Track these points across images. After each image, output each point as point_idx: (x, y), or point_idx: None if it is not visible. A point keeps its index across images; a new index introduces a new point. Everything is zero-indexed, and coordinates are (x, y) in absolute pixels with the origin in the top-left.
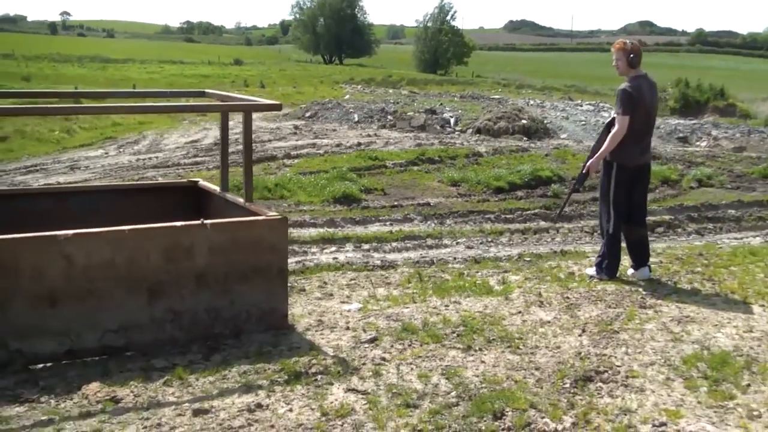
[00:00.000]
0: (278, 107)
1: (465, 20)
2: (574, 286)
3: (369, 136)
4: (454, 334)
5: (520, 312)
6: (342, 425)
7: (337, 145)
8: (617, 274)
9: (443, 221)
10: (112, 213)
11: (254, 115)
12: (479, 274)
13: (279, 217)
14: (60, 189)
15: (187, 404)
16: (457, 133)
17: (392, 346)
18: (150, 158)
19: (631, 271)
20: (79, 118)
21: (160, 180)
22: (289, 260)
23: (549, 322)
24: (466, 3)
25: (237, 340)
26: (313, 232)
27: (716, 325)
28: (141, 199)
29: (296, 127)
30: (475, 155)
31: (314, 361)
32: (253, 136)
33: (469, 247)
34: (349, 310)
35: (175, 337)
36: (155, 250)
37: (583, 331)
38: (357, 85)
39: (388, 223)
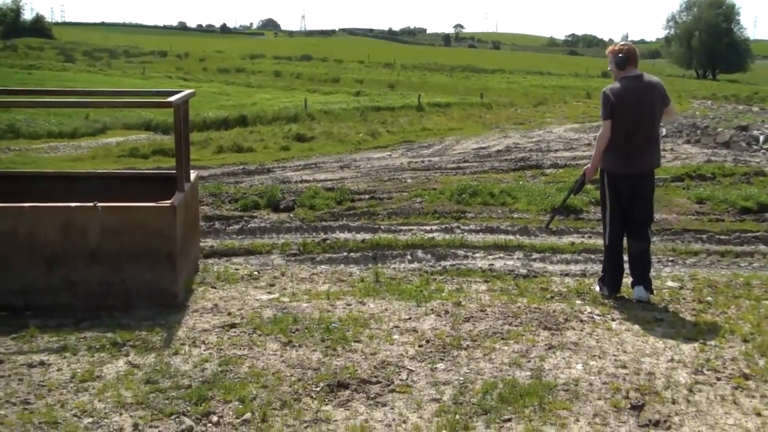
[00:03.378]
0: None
1: None
2: (536, 300)
3: (663, 150)
4: (297, 331)
5: (404, 319)
6: (88, 389)
7: None
8: (620, 290)
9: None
10: (100, 195)
11: (568, 125)
12: (452, 280)
13: (168, 205)
14: (66, 173)
15: (9, 353)
16: (762, 151)
17: (236, 333)
18: (423, 161)
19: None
20: (391, 122)
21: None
22: (444, 263)
23: (411, 330)
24: None
25: (125, 312)
26: (492, 238)
27: (594, 356)
28: (131, 185)
29: (596, 139)
30: (757, 174)
31: (146, 335)
32: (546, 145)
33: None
34: (258, 299)
35: (72, 304)
36: (51, 226)
37: (426, 342)
38: (708, 101)
39: (586, 235)
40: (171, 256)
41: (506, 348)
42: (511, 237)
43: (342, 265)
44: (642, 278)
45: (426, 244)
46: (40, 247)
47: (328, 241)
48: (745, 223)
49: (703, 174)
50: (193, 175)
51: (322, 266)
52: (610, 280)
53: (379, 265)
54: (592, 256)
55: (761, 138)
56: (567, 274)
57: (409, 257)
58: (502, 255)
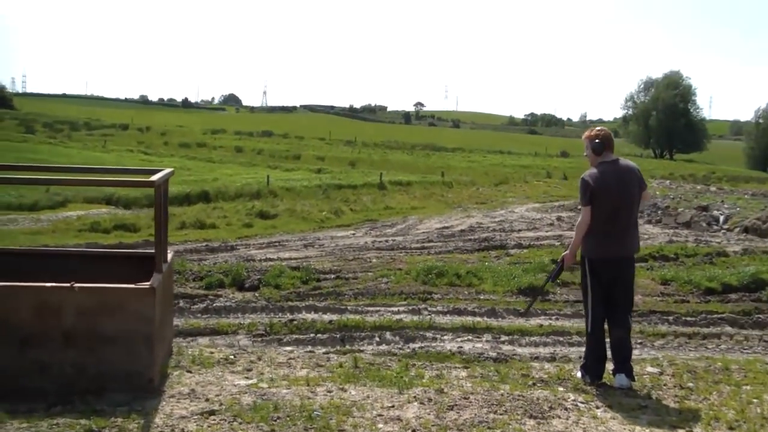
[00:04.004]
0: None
1: None
2: (518, 387)
3: None
4: (279, 419)
5: (387, 407)
6: None
7: None
8: (602, 377)
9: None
10: (74, 274)
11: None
12: (431, 366)
13: (147, 287)
14: (43, 251)
15: None
16: (722, 231)
17: (215, 421)
18: (387, 240)
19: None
20: (354, 200)
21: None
22: (413, 345)
23: (395, 418)
24: None
25: (98, 397)
26: (460, 320)
27: None
28: (107, 264)
29: (559, 218)
30: (719, 255)
31: (122, 423)
32: (509, 225)
33: None
34: (237, 385)
35: (43, 387)
36: (25, 306)
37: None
38: (667, 180)
39: (553, 317)
40: (148, 339)
41: None
42: (478, 319)
43: (309, 347)
44: (623, 365)
45: (394, 326)
46: (13, 327)
47: (295, 322)
48: (710, 305)
49: (666, 254)
50: (170, 254)
51: (289, 347)
52: (593, 367)
53: (347, 346)
54: (561, 339)
55: (721, 218)
56: (537, 357)
57: (377, 339)
58: (470, 337)
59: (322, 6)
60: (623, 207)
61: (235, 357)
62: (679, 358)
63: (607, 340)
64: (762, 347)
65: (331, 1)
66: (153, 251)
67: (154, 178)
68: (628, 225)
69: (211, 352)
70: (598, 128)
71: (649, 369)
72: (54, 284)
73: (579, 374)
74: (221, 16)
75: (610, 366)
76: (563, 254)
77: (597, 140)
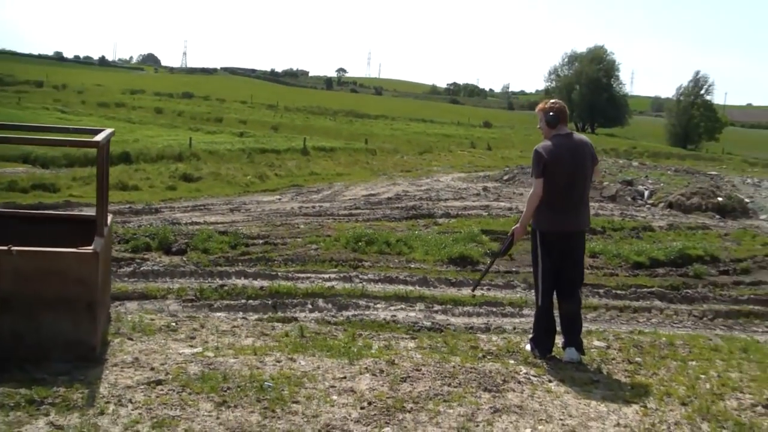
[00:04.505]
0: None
1: (731, 96)
2: (468, 360)
3: None
4: (230, 389)
5: (339, 378)
6: None
7: (509, 209)
8: (552, 351)
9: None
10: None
11: (455, 174)
12: (378, 336)
13: (90, 251)
14: None
15: None
16: (647, 206)
17: (163, 391)
18: (314, 207)
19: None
20: (278, 165)
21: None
22: (346, 313)
23: (348, 390)
24: (734, 79)
25: (38, 366)
26: (393, 288)
27: (541, 420)
28: (49, 226)
29: (485, 189)
30: (645, 229)
31: (65, 392)
32: (435, 194)
33: None
34: (181, 353)
35: None
36: None
37: (368, 404)
38: None
39: (485, 288)
40: (91, 306)
41: (451, 411)
42: (410, 288)
43: (241, 312)
44: (574, 339)
45: (326, 293)
46: None
47: (226, 288)
48: (639, 278)
49: (593, 227)
50: (109, 218)
51: (220, 313)
52: (543, 341)
53: (279, 313)
54: (494, 309)
55: (646, 193)
56: (471, 327)
57: (309, 306)
58: (403, 306)
59: None
60: (577, 180)
61: (177, 324)
62: (623, 332)
63: (556, 313)
64: (692, 322)
65: None
66: (90, 214)
67: (98, 138)
68: (581, 198)
69: (152, 319)
70: (552, 101)
71: (596, 343)
72: None
73: (528, 347)
74: None
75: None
76: (513, 227)
77: (551, 113)
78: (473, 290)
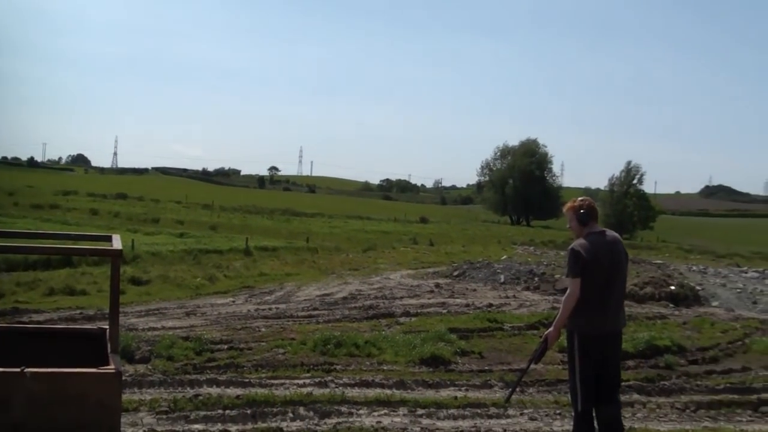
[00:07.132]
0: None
1: (660, 185)
2: None
3: (507, 297)
4: None
5: None
6: None
7: (467, 305)
8: None
9: (525, 390)
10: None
11: (403, 272)
12: None
13: (112, 371)
14: None
15: None
16: None
17: None
18: (270, 308)
19: None
20: (225, 266)
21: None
22: (330, 420)
23: None
24: (662, 168)
25: None
26: (372, 392)
27: None
28: (54, 342)
29: (437, 285)
30: None
31: None
32: (389, 292)
33: (532, 419)
34: None
35: None
36: None
37: None
38: (530, 246)
39: (463, 388)
40: (112, 431)
41: None
42: (389, 391)
43: (220, 424)
44: None
45: (305, 400)
46: None
47: (200, 398)
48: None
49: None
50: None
51: (198, 425)
52: None
53: (260, 423)
54: (479, 411)
55: None
56: (462, 431)
57: (291, 414)
58: (386, 411)
59: (173, 65)
60: (615, 279)
61: None
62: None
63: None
64: (676, 414)
65: (184, 60)
66: (89, 327)
67: (117, 245)
68: (620, 298)
69: None
70: (581, 198)
71: None
72: (2, 369)
73: None
74: (64, 73)
75: None
76: (546, 332)
77: (582, 210)
78: (507, 400)
